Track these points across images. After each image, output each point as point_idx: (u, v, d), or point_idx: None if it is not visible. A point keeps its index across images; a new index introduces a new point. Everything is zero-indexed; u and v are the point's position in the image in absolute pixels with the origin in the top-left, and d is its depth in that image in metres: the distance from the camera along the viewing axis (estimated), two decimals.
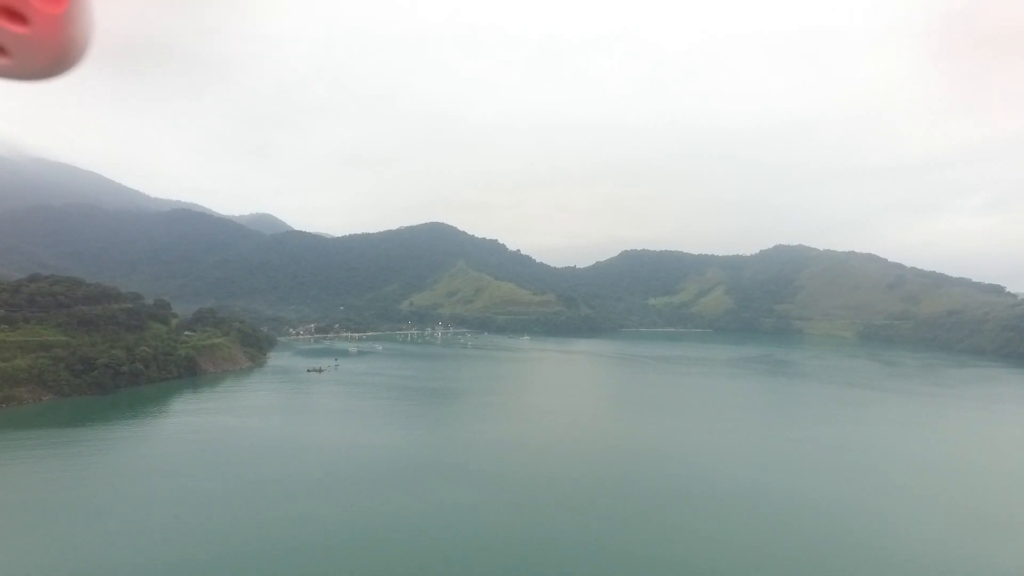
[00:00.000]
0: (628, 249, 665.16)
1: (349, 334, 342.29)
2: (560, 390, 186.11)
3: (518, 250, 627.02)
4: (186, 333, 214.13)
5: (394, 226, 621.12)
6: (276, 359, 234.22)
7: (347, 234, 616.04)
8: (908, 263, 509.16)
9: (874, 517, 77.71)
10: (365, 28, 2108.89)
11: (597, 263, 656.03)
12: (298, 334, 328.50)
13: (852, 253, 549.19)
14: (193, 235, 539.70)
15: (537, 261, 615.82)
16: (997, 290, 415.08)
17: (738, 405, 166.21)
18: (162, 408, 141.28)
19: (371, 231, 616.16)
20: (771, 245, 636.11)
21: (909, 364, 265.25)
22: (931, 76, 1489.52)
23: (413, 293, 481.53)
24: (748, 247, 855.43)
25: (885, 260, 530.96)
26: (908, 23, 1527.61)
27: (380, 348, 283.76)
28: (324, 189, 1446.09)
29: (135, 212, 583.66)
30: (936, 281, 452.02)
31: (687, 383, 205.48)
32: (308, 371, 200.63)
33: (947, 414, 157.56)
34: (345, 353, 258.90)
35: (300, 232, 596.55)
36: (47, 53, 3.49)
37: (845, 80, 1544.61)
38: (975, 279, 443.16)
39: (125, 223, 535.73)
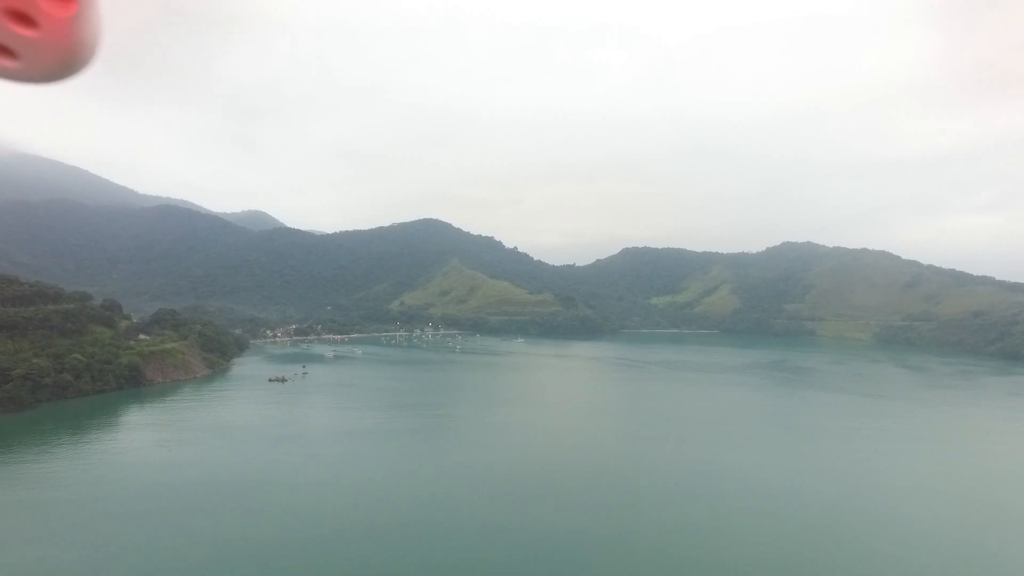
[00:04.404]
0: (629, 246, 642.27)
1: (331, 336, 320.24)
2: (552, 405, 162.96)
3: (515, 247, 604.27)
4: (140, 337, 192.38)
5: (387, 223, 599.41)
6: (242, 366, 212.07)
7: (338, 231, 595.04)
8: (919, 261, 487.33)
9: None
10: (352, 17, 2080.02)
11: (597, 261, 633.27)
12: (275, 336, 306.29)
13: (864, 250, 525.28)
14: (178, 232, 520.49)
15: (535, 259, 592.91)
16: None
17: (764, 425, 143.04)
18: (75, 428, 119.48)
19: (363, 228, 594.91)
20: (778, 242, 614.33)
21: (941, 371, 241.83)
22: (935, 69, 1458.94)
23: (404, 292, 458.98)
24: (753, 244, 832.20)
25: (899, 257, 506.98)
26: (913, 13, 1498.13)
27: (360, 353, 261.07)
28: (317, 186, 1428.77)
29: (119, 209, 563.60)
30: (957, 280, 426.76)
31: (699, 395, 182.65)
32: (270, 381, 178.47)
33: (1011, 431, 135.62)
34: (320, 358, 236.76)
35: (288, 229, 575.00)
36: (55, 57, 3.51)
37: (848, 73, 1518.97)
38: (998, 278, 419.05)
39: (108, 220, 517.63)
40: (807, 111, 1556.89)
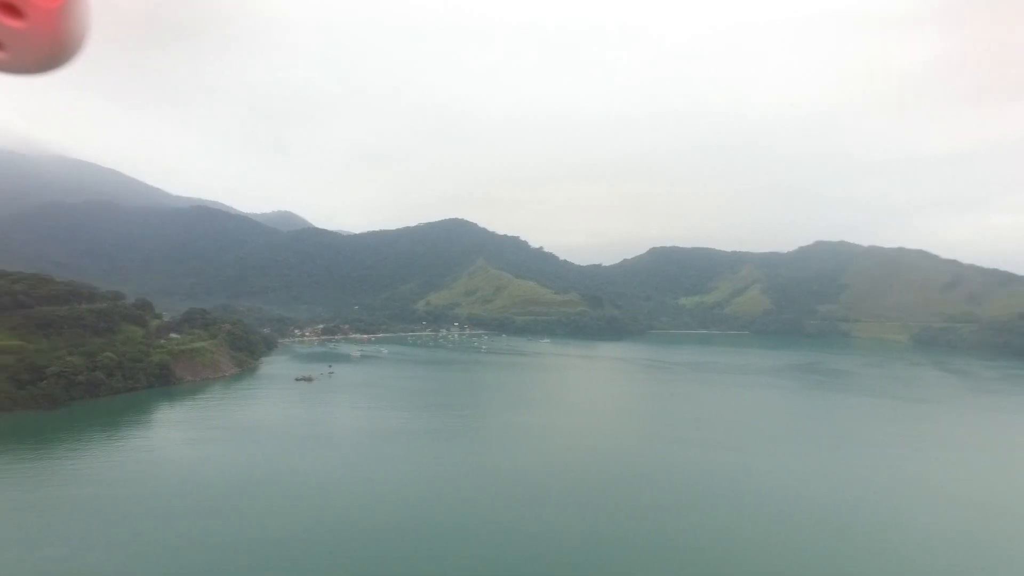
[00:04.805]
0: (656, 246, 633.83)
1: (358, 336, 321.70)
2: (577, 407, 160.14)
3: (541, 247, 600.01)
4: (171, 335, 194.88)
5: (412, 223, 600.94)
6: (270, 364, 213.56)
7: (365, 231, 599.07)
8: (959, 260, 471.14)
9: None
10: (373, 21, 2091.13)
11: (624, 261, 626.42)
12: (303, 335, 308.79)
13: (901, 249, 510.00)
14: (210, 233, 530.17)
15: (561, 259, 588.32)
16: None
17: (795, 429, 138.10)
18: (106, 426, 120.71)
19: (389, 228, 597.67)
20: (810, 241, 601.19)
21: (985, 375, 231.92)
22: (975, 63, 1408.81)
23: (430, 292, 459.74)
24: (784, 244, 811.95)
25: (937, 257, 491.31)
26: (949, 4, 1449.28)
27: (386, 352, 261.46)
28: (344, 187, 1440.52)
29: (152, 210, 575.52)
30: (1001, 280, 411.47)
31: (727, 397, 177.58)
32: (296, 380, 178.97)
33: None
34: (347, 358, 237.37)
35: (316, 229, 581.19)
36: (43, 48, 3.51)
37: (884, 67, 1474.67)
38: None
39: (142, 221, 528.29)
40: (841, 106, 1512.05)
